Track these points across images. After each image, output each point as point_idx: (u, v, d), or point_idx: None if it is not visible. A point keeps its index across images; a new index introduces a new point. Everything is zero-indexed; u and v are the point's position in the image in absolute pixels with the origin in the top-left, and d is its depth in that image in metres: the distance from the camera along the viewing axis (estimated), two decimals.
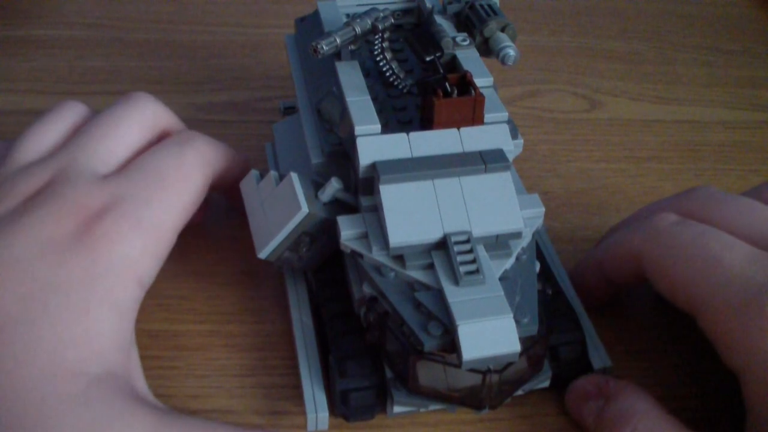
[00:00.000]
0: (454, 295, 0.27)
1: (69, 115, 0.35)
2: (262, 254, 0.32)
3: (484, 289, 0.27)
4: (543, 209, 0.31)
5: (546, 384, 0.31)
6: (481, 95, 0.30)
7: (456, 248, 0.28)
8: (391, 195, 0.29)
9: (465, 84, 0.30)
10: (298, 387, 0.31)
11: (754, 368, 0.27)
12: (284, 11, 0.59)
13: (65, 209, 0.30)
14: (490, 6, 0.35)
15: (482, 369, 0.28)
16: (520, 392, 0.31)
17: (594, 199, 0.43)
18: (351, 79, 0.32)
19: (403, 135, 0.30)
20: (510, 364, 0.28)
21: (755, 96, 0.52)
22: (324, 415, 0.30)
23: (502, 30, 0.34)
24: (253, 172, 0.33)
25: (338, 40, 0.31)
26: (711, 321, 0.29)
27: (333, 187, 0.31)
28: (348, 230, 0.29)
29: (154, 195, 0.31)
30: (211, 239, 0.39)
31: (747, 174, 0.46)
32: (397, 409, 0.30)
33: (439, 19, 0.35)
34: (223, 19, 0.58)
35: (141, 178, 0.32)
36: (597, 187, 0.44)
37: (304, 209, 0.30)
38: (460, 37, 0.34)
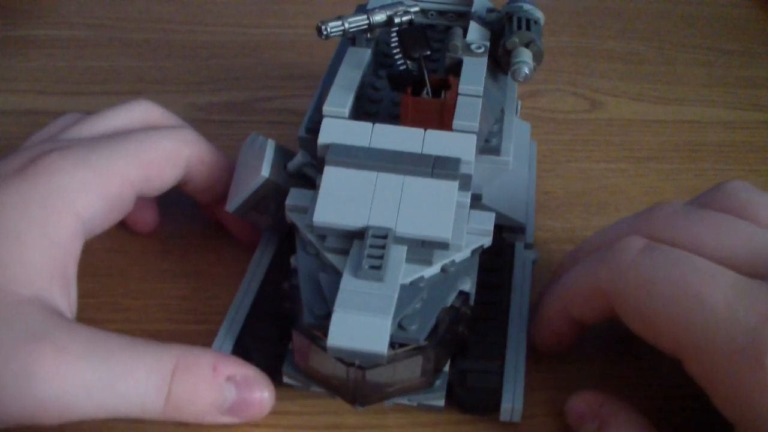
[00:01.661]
0: (349, 284, 0.27)
1: (67, 120, 0.36)
2: (229, 208, 0.34)
3: (379, 287, 0.27)
4: (491, 229, 0.30)
5: (440, 403, 0.30)
6: (451, 101, 0.30)
7: (370, 241, 0.28)
8: (332, 176, 0.29)
9: (445, 87, 0.30)
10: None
11: (752, 424, 0.25)
12: (284, 11, 0.59)
13: (24, 154, 0.31)
14: (527, 20, 0.34)
15: (348, 362, 0.27)
16: (407, 401, 0.30)
17: (594, 199, 0.43)
18: (352, 64, 0.33)
19: (368, 124, 0.30)
20: (378, 365, 0.27)
21: (755, 96, 0.52)
22: None
23: (527, 45, 0.33)
24: (252, 135, 0.35)
25: (346, 25, 0.32)
26: (699, 368, 0.26)
27: (298, 159, 0.33)
28: (293, 201, 0.30)
29: (110, 143, 0.32)
30: (211, 239, 0.39)
31: (747, 174, 0.46)
32: (285, 380, 0.30)
33: (475, 25, 0.35)
34: (223, 19, 0.58)
35: (105, 136, 0.33)
36: (597, 187, 0.44)
37: (264, 174, 0.32)
38: (475, 44, 0.33)
